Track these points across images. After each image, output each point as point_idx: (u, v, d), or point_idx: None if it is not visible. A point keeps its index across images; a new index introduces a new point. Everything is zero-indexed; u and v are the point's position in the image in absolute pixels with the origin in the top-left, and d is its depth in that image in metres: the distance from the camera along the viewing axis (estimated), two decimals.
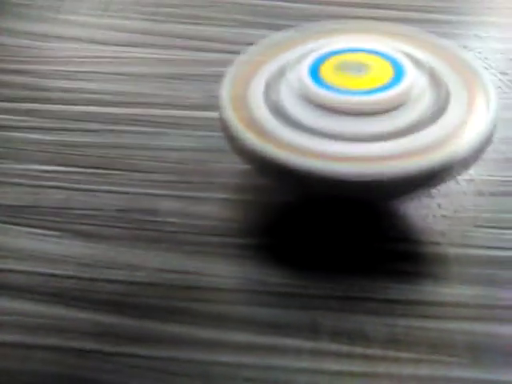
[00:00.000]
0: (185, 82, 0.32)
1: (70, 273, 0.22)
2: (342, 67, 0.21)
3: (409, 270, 0.22)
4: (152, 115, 0.30)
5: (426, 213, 0.24)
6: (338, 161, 0.19)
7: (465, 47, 0.35)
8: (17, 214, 0.25)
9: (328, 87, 0.20)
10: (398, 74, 0.21)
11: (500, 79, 0.32)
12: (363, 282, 0.21)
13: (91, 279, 0.22)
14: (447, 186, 0.25)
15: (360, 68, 0.21)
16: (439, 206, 0.24)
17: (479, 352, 0.19)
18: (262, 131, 0.20)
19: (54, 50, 0.35)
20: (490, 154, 0.25)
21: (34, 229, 0.24)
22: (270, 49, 0.24)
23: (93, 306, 0.21)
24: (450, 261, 0.22)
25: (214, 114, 0.29)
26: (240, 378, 0.19)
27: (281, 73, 0.22)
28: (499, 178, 0.26)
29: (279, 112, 0.21)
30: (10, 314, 0.21)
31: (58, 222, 0.24)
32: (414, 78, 0.21)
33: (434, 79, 0.22)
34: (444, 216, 0.24)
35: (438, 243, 0.23)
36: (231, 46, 0.35)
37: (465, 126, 0.20)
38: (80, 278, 0.22)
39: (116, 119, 0.29)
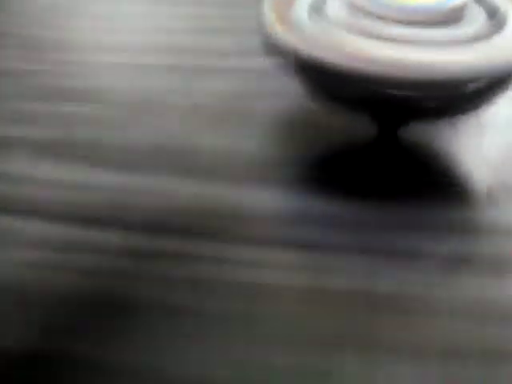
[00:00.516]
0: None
1: (103, 197, 0.21)
2: None
3: (461, 198, 0.20)
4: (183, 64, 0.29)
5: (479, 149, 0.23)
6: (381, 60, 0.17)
7: None
8: (44, 148, 0.23)
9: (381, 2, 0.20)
10: None
11: None
12: (412, 208, 0.20)
13: (121, 204, 0.21)
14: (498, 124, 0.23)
15: None
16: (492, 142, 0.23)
17: None
18: (299, 30, 0.19)
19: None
20: None
21: (63, 160, 0.23)
22: None
23: (126, 230, 0.19)
24: (506, 188, 0.21)
25: (251, 61, 0.28)
26: (285, 297, 0.17)
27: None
28: None
29: (321, 14, 0.20)
30: (45, 234, 0.20)
31: (89, 155, 0.23)
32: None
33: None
34: (497, 150, 0.22)
35: (491, 174, 0.21)
36: None
37: None
38: (114, 204, 0.21)
39: (152, 67, 0.29)
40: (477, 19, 0.19)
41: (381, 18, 0.19)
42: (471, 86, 0.17)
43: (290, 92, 0.25)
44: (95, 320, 0.17)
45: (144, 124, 0.24)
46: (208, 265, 0.18)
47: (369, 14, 0.19)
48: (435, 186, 0.21)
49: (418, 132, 0.23)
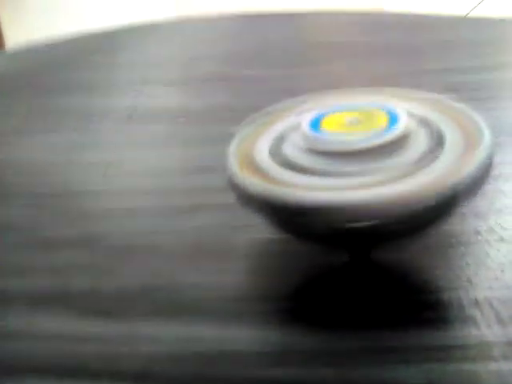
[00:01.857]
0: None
1: (91, 350, 0.22)
2: (342, 122, 0.22)
3: (436, 317, 0.21)
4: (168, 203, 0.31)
5: (450, 262, 0.23)
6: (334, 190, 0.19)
7: None
8: (42, 300, 0.25)
9: (325, 134, 0.21)
10: (393, 121, 0.22)
11: None
12: (389, 333, 0.21)
13: (112, 353, 0.22)
14: (468, 237, 0.25)
15: (358, 120, 0.22)
16: (463, 255, 0.24)
17: None
18: (262, 173, 0.21)
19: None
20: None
21: (61, 311, 0.24)
22: (267, 121, 0.25)
23: (114, 379, 0.20)
24: (478, 304, 0.21)
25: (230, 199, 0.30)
26: None
27: (282, 137, 0.23)
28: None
29: (282, 159, 0.22)
30: None
31: (83, 305, 0.24)
32: (407, 124, 0.21)
33: (427, 125, 0.22)
34: (468, 264, 0.23)
35: (464, 289, 0.22)
36: None
37: (463, 163, 0.20)
38: (102, 354, 0.22)
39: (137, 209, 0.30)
40: (419, 146, 0.21)
41: (328, 154, 0.21)
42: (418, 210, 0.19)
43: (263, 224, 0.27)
44: None
45: (130, 267, 0.26)
46: None
47: (315, 151, 0.21)
48: (410, 307, 0.22)
49: (391, 251, 0.24)
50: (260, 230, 0.26)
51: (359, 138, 0.21)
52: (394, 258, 0.24)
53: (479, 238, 0.25)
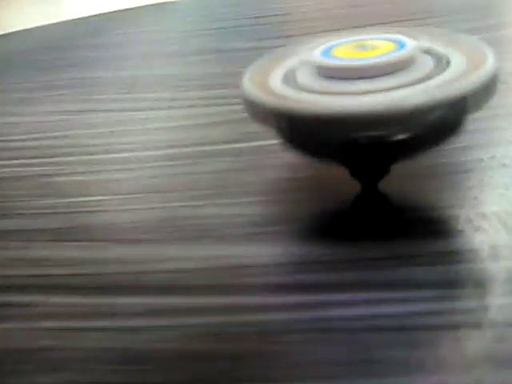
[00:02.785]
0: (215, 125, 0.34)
1: (119, 270, 0.23)
2: (352, 48, 0.24)
3: (448, 229, 0.22)
4: (183, 153, 0.32)
5: (457, 186, 0.25)
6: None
7: None
8: (62, 234, 0.26)
9: (335, 58, 0.23)
10: (400, 46, 0.23)
11: None
12: (406, 242, 0.22)
13: (139, 273, 0.22)
14: (471, 165, 0.26)
15: (367, 46, 0.23)
16: (468, 179, 0.25)
17: None
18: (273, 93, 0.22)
19: (81, 119, 0.38)
20: None
21: (81, 242, 0.25)
22: (281, 56, 0.26)
23: (143, 292, 0.21)
24: (485, 217, 0.23)
25: (241, 145, 0.31)
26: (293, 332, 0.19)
27: (295, 68, 0.25)
28: None
29: (290, 81, 0.23)
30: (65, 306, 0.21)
31: (103, 234, 0.25)
32: (414, 47, 0.23)
33: (435, 53, 0.24)
34: (474, 186, 0.25)
35: (472, 205, 0.23)
36: None
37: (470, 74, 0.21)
38: (128, 274, 0.23)
39: (152, 159, 0.31)
40: (427, 65, 0.22)
41: (338, 73, 0.22)
42: (435, 114, 0.20)
43: (279, 164, 0.28)
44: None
45: (149, 205, 0.27)
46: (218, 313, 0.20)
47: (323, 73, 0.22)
48: (423, 221, 0.23)
49: (397, 181, 0.25)
50: (277, 170, 0.28)
51: (367, 58, 0.22)
52: (402, 186, 0.25)
53: (482, 164, 0.26)
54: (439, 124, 0.20)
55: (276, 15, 0.57)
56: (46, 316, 0.21)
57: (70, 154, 0.33)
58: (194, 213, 0.26)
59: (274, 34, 0.50)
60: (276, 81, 0.24)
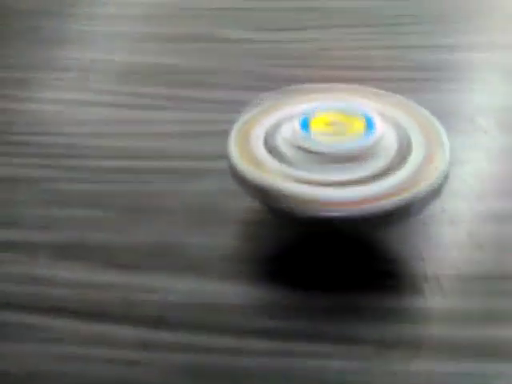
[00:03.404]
0: (199, 137, 0.37)
1: (114, 296, 0.27)
2: (327, 123, 0.27)
3: (394, 285, 0.27)
4: (174, 167, 0.35)
5: (408, 239, 0.29)
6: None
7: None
8: (64, 252, 0.30)
9: (315, 141, 0.26)
10: (369, 127, 0.27)
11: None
12: (355, 295, 0.26)
13: (131, 301, 0.27)
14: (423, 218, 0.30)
15: (340, 123, 0.27)
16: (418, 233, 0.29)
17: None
18: (259, 164, 0.26)
19: (83, 113, 0.40)
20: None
21: (80, 262, 0.29)
22: (265, 109, 0.30)
23: (135, 323, 0.26)
24: (426, 278, 0.27)
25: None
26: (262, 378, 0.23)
27: (277, 126, 0.28)
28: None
29: (276, 153, 0.26)
30: (69, 330, 0.25)
31: (101, 256, 0.29)
32: (382, 132, 0.26)
33: (399, 131, 0.27)
34: (422, 241, 0.29)
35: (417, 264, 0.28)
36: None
37: (423, 174, 0.25)
38: (122, 300, 0.27)
39: (144, 171, 0.35)
40: (386, 154, 0.26)
41: (313, 153, 0.26)
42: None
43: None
44: None
45: (141, 226, 0.31)
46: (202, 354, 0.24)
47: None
48: (375, 274, 0.27)
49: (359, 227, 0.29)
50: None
51: (340, 144, 0.26)
52: (362, 232, 0.29)
53: (433, 219, 0.30)
54: (387, 220, 0.25)
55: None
56: (36, 339, 0.25)
57: (70, 156, 0.36)
58: (181, 240, 0.30)
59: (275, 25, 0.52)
60: (260, 149, 0.27)
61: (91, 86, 0.44)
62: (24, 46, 0.50)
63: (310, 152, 0.26)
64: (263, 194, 0.25)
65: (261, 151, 0.27)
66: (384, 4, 0.53)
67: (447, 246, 0.28)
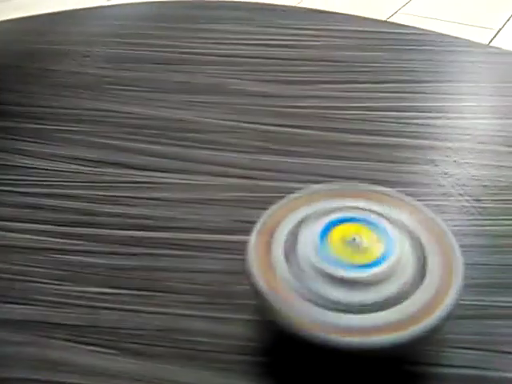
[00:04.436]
0: (208, 206, 0.38)
1: None
2: (345, 239, 0.28)
3: None
4: (183, 239, 0.36)
5: None
6: (333, 331, 0.25)
7: (445, 174, 0.41)
8: (77, 333, 0.31)
9: (334, 261, 0.27)
10: (388, 249, 0.27)
11: (473, 206, 0.38)
12: None
13: None
14: None
15: (359, 240, 0.28)
16: None
17: None
18: (283, 294, 0.26)
19: (94, 174, 0.41)
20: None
21: (93, 347, 0.30)
22: (285, 207, 0.30)
23: None
24: (424, 378, 0.28)
25: (234, 238, 0.36)
26: None
27: (296, 233, 0.29)
28: (469, 303, 0.32)
29: (297, 278, 0.27)
30: None
31: (112, 340, 0.30)
32: (400, 254, 0.27)
33: (415, 246, 0.28)
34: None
35: (417, 363, 0.29)
36: (247, 172, 0.41)
37: (434, 305, 0.26)
38: None
39: (154, 243, 0.36)
40: (402, 278, 0.27)
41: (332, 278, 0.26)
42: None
43: None
44: None
45: (150, 307, 0.32)
46: None
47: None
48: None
49: None
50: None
51: (356, 269, 0.27)
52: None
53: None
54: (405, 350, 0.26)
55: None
56: None
57: (83, 224, 0.37)
58: (189, 326, 0.31)
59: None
60: (279, 261, 0.28)
61: (102, 141, 0.45)
62: (38, 90, 0.51)
63: (327, 274, 0.27)
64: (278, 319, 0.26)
65: (280, 265, 0.27)
66: None
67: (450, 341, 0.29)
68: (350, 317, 0.25)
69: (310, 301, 0.26)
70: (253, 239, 0.28)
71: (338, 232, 0.28)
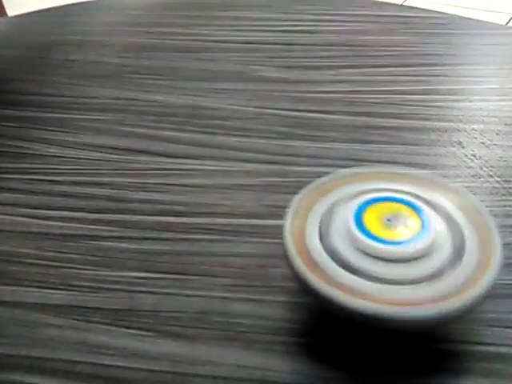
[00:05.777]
0: (238, 192, 0.38)
1: (166, 368, 0.28)
2: (380, 218, 0.28)
3: (430, 365, 0.28)
4: (215, 224, 0.36)
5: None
6: (378, 302, 0.25)
7: (473, 155, 0.41)
8: (116, 317, 0.31)
9: (371, 237, 0.27)
10: (425, 226, 0.27)
11: (503, 187, 0.38)
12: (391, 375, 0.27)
13: (183, 374, 0.28)
14: None
15: (395, 219, 0.28)
16: None
17: None
18: (322, 274, 0.26)
19: (123, 162, 0.42)
20: None
21: (133, 330, 0.30)
22: (317, 191, 0.31)
23: None
24: (463, 356, 0.28)
25: (266, 222, 0.36)
26: None
27: (330, 215, 0.29)
28: (502, 282, 0.32)
29: (334, 257, 0.27)
30: None
31: (151, 323, 0.31)
32: (437, 231, 0.27)
33: (452, 225, 0.28)
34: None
35: (453, 341, 0.29)
36: (274, 157, 0.42)
37: (474, 280, 0.26)
38: (174, 373, 0.28)
39: (186, 228, 0.36)
40: (441, 254, 0.27)
41: (370, 256, 0.27)
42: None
43: None
44: None
45: (186, 290, 0.32)
46: None
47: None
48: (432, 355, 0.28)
49: None
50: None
51: (394, 244, 0.27)
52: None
53: None
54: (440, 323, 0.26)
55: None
56: None
57: (115, 210, 0.37)
58: (227, 308, 0.31)
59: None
60: (314, 239, 0.28)
61: (128, 129, 0.45)
62: (59, 80, 0.51)
63: (365, 253, 0.27)
64: (328, 305, 0.26)
65: (317, 251, 0.27)
66: None
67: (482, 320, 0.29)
68: (394, 289, 0.25)
69: (350, 277, 0.26)
70: (287, 224, 0.28)
71: (372, 212, 0.28)
